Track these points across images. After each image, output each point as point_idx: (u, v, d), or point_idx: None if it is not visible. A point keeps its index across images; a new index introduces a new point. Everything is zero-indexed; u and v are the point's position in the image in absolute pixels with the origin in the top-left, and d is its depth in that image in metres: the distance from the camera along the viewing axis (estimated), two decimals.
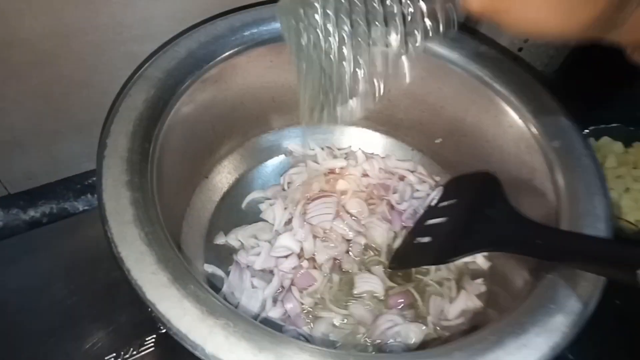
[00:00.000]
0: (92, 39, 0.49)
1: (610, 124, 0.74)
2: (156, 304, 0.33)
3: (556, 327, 0.35)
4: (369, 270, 0.55)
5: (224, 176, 0.59)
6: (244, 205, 0.59)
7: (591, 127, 0.73)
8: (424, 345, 0.50)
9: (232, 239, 0.55)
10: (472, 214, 0.48)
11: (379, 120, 0.63)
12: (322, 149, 0.64)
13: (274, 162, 0.63)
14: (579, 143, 0.46)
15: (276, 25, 0.51)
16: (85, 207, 0.61)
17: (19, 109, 0.52)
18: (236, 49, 0.50)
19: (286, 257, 0.53)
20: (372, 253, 0.57)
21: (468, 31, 0.54)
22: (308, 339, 0.49)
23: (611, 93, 0.83)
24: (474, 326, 0.50)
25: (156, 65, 0.46)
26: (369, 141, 0.65)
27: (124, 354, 0.50)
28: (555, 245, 0.39)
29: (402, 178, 0.62)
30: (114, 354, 0.50)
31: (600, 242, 0.39)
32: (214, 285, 0.52)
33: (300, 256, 0.54)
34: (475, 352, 0.33)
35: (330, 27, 0.34)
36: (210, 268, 0.53)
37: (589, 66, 0.82)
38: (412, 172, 0.63)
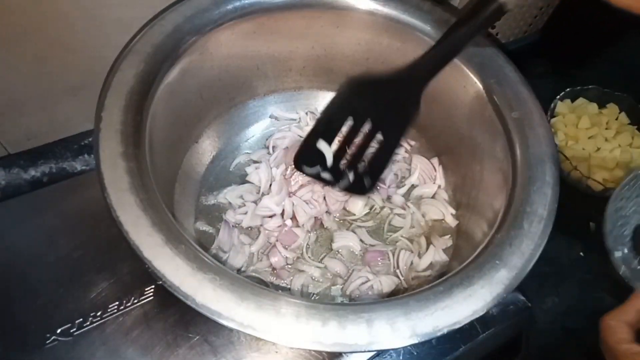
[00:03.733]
0: (83, 4, 0.51)
1: (586, 85, 0.77)
2: (152, 261, 0.38)
3: (499, 280, 0.40)
4: (347, 228, 0.60)
5: (212, 140, 0.63)
6: (232, 167, 0.63)
7: (567, 89, 0.76)
8: (395, 294, 0.55)
9: (221, 198, 0.60)
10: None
11: None
12: (306, 113, 0.67)
13: (259, 127, 0.67)
14: (537, 114, 0.50)
15: None
16: (83, 167, 0.64)
17: (15, 72, 0.54)
18: (220, 22, 0.52)
19: (271, 216, 0.58)
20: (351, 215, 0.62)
21: (439, 2, 0.57)
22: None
23: (590, 54, 0.85)
24: (441, 277, 0.56)
25: (144, 40, 0.48)
26: None
27: (126, 302, 0.55)
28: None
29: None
30: (117, 302, 0.55)
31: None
32: (204, 245, 0.57)
33: (284, 215, 0.59)
34: (428, 300, 0.39)
35: None
36: (201, 226, 0.59)
37: (570, 27, 0.85)
38: None
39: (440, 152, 0.65)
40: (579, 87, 0.77)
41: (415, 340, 0.37)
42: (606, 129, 0.75)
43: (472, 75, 0.53)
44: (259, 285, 0.39)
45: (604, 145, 0.73)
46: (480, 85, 0.53)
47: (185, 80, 0.53)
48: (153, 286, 0.56)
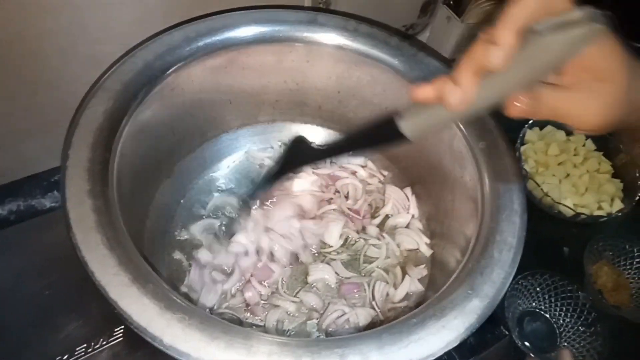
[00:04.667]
0: (57, 42, 0.51)
1: None
2: (118, 301, 0.37)
3: (472, 310, 0.40)
4: (323, 261, 0.60)
5: (185, 175, 0.63)
6: (206, 210, 0.63)
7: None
8: (372, 326, 0.55)
9: (194, 232, 0.59)
10: None
11: (332, 119, 0.67)
12: (280, 146, 0.68)
13: (233, 160, 0.67)
14: (502, 144, 0.51)
15: (228, 34, 0.55)
16: (53, 204, 0.62)
17: None
18: (191, 58, 0.53)
19: (245, 253, 0.57)
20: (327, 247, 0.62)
21: (407, 38, 0.58)
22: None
23: None
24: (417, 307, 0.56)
25: (114, 77, 0.48)
26: (322, 138, 0.69)
27: (94, 344, 0.53)
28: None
29: (353, 173, 0.67)
30: (85, 345, 0.53)
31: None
32: (177, 278, 0.56)
33: (259, 252, 0.58)
34: (401, 333, 0.38)
35: None
36: (176, 255, 0.58)
37: None
38: (363, 167, 0.68)
39: (413, 181, 0.66)
40: None
41: None
42: (574, 155, 0.77)
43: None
44: (230, 323, 0.38)
45: (572, 172, 0.75)
46: None
47: (155, 117, 0.53)
48: (122, 327, 0.55)
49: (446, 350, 0.38)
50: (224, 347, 0.36)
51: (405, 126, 0.35)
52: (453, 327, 0.39)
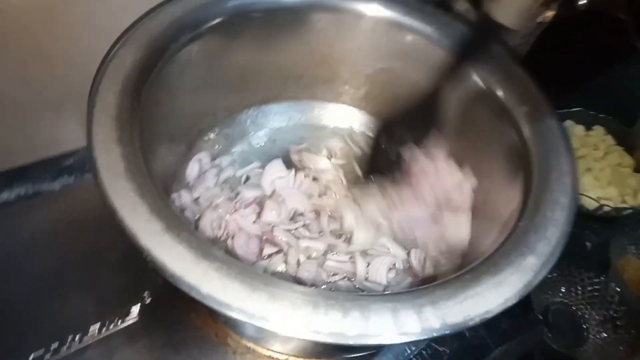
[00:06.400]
0: (73, 13, 0.49)
1: (572, 109, 0.79)
2: (151, 249, 0.34)
3: (529, 267, 0.37)
4: None
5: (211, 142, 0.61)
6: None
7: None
8: None
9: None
10: None
11: (358, 96, 0.65)
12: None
13: (256, 138, 0.64)
14: (545, 107, 0.49)
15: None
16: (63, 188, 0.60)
17: None
18: (222, 19, 0.51)
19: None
20: None
21: (440, 5, 0.57)
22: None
23: (574, 80, 0.87)
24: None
25: (142, 29, 0.46)
26: (347, 119, 0.67)
27: (109, 324, 0.50)
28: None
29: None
30: (99, 323, 0.50)
31: None
32: None
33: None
34: (456, 288, 0.35)
35: None
36: None
37: (554, 54, 0.87)
38: None
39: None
40: (565, 110, 0.78)
41: (446, 331, 0.33)
42: (594, 149, 0.76)
43: (476, 76, 0.53)
44: (271, 276, 0.35)
45: (593, 165, 0.74)
46: (483, 85, 0.52)
47: (182, 76, 0.50)
48: (139, 304, 0.52)
49: (505, 307, 0.35)
50: (266, 299, 0.33)
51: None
52: (510, 283, 0.36)
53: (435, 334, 0.33)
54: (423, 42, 0.55)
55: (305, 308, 0.33)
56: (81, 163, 0.62)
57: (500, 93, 0.50)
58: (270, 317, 0.32)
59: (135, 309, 0.51)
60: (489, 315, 0.34)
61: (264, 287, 0.33)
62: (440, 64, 0.53)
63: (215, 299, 0.32)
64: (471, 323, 0.34)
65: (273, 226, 0.54)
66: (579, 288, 0.62)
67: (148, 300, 0.52)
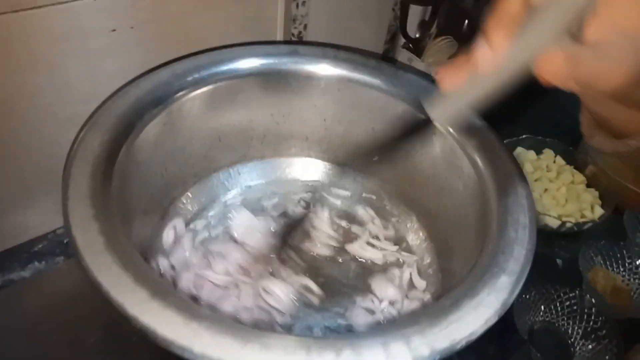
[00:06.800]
0: (37, 102, 0.51)
1: (520, 136, 0.84)
2: (139, 317, 0.34)
3: (503, 286, 0.40)
4: None
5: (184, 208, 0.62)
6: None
7: (505, 141, 0.82)
8: None
9: None
10: None
11: (320, 149, 0.68)
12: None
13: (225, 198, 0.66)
14: (493, 139, 0.53)
15: (214, 69, 0.56)
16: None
17: None
18: (181, 93, 0.54)
19: None
20: None
21: (388, 60, 0.62)
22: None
23: (517, 111, 0.93)
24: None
25: (107, 112, 0.48)
26: (312, 170, 0.70)
27: None
28: None
29: None
30: None
31: None
32: None
33: None
34: (438, 315, 0.37)
35: None
36: None
37: None
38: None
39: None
40: (514, 138, 0.83)
41: (435, 357, 0.35)
42: (548, 171, 0.81)
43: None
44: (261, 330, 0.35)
45: (549, 186, 0.78)
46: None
47: (150, 151, 0.52)
48: None
49: (487, 327, 0.37)
50: (259, 349, 0.33)
51: (437, 114, 0.36)
52: (488, 303, 0.38)
53: None
54: (374, 93, 0.59)
55: (299, 354, 0.33)
56: (51, 247, 0.61)
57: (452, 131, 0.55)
58: None
59: None
60: (474, 337, 0.36)
61: (255, 339, 0.34)
62: (391, 111, 0.58)
63: (209, 357, 0.33)
64: (458, 346, 0.35)
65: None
66: (558, 304, 0.63)
67: None
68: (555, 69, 0.29)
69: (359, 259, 0.62)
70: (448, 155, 0.55)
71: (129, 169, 0.48)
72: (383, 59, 0.62)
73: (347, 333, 0.35)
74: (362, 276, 0.60)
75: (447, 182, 0.56)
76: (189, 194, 0.61)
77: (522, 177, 0.49)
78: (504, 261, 0.42)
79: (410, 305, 0.55)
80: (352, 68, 0.60)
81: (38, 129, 0.51)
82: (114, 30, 0.53)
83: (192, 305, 0.36)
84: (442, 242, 0.59)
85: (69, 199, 0.41)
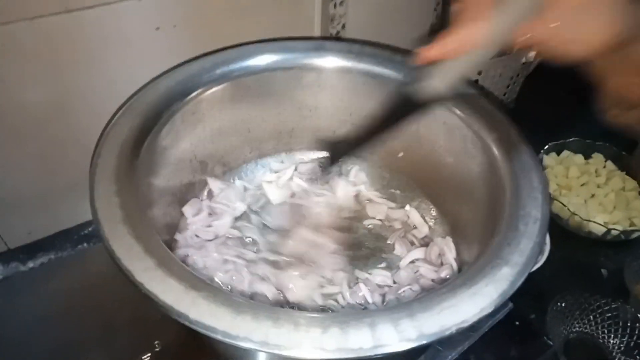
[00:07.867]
0: (88, 102, 0.55)
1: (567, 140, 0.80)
2: (145, 284, 0.37)
3: (503, 277, 0.39)
4: None
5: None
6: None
7: (551, 143, 0.79)
8: None
9: None
10: None
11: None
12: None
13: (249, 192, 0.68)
14: (513, 133, 0.52)
15: (243, 63, 0.59)
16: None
17: (19, 170, 0.57)
18: (209, 85, 0.57)
19: None
20: None
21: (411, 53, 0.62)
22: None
23: (566, 113, 0.90)
24: None
25: (139, 99, 0.52)
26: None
27: None
28: None
29: None
30: None
31: None
32: None
33: None
34: (432, 301, 0.37)
35: None
36: None
37: (541, 93, 0.90)
38: None
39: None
40: (561, 141, 0.80)
41: (423, 341, 0.35)
42: (596, 176, 0.77)
43: (450, 113, 0.57)
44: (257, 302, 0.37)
45: (597, 192, 0.74)
46: (457, 120, 0.56)
47: (178, 138, 0.56)
48: (150, 353, 0.54)
49: (481, 316, 0.36)
50: (250, 320, 0.35)
51: (431, 85, 0.37)
52: (485, 293, 0.38)
53: (412, 345, 0.35)
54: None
55: (286, 326, 0.35)
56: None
57: (473, 123, 0.54)
58: (253, 336, 0.34)
59: (147, 358, 0.54)
60: (466, 325, 0.36)
61: (248, 310, 0.36)
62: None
63: (203, 324, 0.35)
64: (447, 332, 0.35)
65: None
66: (598, 315, 0.60)
67: (158, 349, 0.54)
68: (528, 38, 0.32)
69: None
70: (468, 148, 0.55)
71: (156, 153, 0.51)
72: (410, 53, 0.61)
73: (336, 312, 0.36)
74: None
75: (465, 173, 0.56)
76: (218, 181, 0.64)
77: (540, 172, 0.48)
78: (509, 253, 0.41)
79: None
80: (377, 63, 0.60)
81: (87, 126, 0.54)
82: (157, 28, 0.56)
83: (193, 276, 0.38)
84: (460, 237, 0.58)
85: (96, 175, 0.44)
